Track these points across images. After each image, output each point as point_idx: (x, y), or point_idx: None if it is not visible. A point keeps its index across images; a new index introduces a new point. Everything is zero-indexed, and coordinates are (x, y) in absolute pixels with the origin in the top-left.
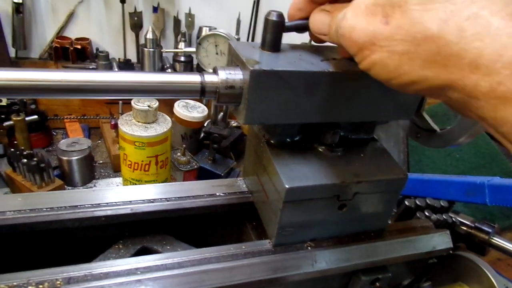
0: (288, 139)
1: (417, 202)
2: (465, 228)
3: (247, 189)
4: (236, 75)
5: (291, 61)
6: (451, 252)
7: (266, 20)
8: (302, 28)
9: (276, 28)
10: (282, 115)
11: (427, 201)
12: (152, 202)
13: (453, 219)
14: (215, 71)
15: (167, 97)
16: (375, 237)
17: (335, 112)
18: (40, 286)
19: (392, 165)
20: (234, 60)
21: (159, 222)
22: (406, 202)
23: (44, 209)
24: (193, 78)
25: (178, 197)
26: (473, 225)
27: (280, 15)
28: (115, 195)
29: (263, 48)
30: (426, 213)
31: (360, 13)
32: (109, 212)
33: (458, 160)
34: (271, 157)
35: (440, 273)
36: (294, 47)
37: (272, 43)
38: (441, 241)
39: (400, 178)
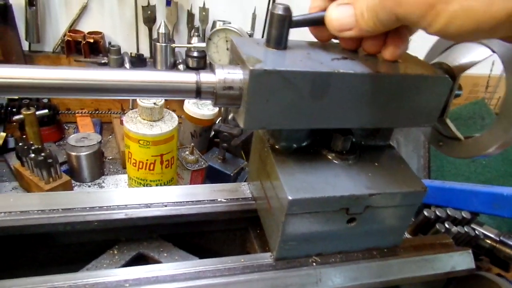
0: (294, 145)
1: (437, 213)
2: (489, 242)
3: (251, 195)
4: (235, 75)
5: (297, 60)
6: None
7: (272, 14)
8: (313, 22)
9: (281, 23)
10: (286, 120)
11: (448, 211)
12: (149, 207)
13: (476, 231)
14: (213, 70)
15: (159, 97)
16: (388, 254)
17: (346, 118)
18: None
19: (409, 176)
20: (236, 58)
21: (157, 227)
22: (425, 213)
23: (35, 211)
24: (188, 77)
25: (176, 202)
26: (497, 239)
27: (287, 9)
28: (111, 198)
29: (268, 45)
30: (447, 225)
31: None
32: (102, 217)
33: (484, 167)
34: (275, 163)
35: None
36: (303, 44)
37: (278, 40)
38: (461, 260)
39: (418, 192)
